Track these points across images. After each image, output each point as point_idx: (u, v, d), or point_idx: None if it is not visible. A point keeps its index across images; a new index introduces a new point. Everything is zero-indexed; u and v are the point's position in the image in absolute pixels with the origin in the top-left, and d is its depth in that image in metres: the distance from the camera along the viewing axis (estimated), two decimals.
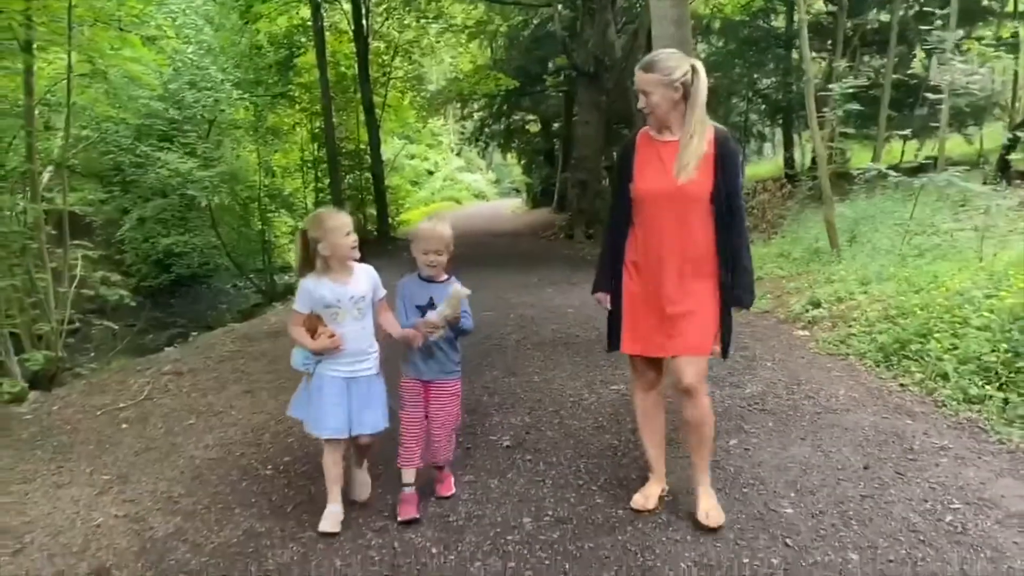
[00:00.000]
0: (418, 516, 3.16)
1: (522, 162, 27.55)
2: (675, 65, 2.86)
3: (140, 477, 3.77)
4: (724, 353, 3.03)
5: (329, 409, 3.09)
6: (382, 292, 3.26)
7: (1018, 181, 12.06)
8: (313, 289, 3.08)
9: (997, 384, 4.21)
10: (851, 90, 8.29)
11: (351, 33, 17.29)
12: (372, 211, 18.67)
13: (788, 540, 2.87)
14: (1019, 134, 12.15)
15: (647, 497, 3.17)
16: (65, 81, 11.61)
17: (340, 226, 3.04)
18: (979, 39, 12.51)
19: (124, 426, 4.54)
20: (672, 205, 2.89)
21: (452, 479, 3.45)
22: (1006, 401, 4.05)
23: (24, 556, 3.02)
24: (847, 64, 15.43)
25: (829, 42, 17.82)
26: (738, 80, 18.92)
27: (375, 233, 17.82)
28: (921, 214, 8.82)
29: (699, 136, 2.85)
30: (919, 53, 17.09)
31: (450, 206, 30.44)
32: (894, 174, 7.83)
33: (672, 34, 7.73)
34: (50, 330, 8.64)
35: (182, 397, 5.12)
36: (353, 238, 3.08)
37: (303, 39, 17.30)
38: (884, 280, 6.59)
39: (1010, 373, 4.20)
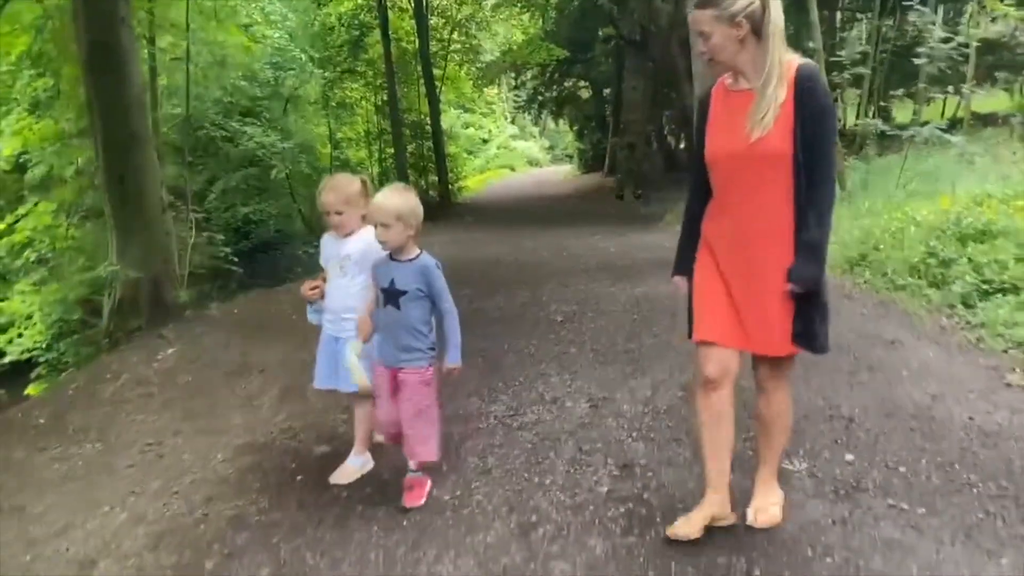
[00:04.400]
0: (420, 504, 3.12)
1: (574, 128, 29.33)
2: None
3: None
4: (815, 346, 2.59)
5: (319, 361, 3.41)
6: (374, 256, 3.23)
7: None
8: (322, 244, 3.45)
9: (917, 276, 6.04)
10: (857, 55, 9.98)
11: (411, 10, 19.31)
12: (434, 178, 20.74)
13: None
14: None
15: (690, 519, 2.67)
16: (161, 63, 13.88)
17: (322, 204, 3.31)
18: None
19: (294, 317, 6.69)
20: (746, 169, 2.48)
21: (425, 487, 3.20)
22: (919, 287, 5.89)
23: (267, 374, 5.15)
24: (887, 24, 16.85)
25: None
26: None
27: (437, 199, 19.92)
28: (937, 166, 10.48)
29: (777, 79, 2.39)
30: (970, 8, 18.34)
31: (505, 173, 32.58)
32: (891, 130, 9.54)
33: None
34: (180, 275, 10.96)
35: None
36: (332, 219, 3.28)
37: (368, 17, 19.42)
38: (873, 215, 8.37)
39: (926, 268, 6.02)
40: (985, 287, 5.34)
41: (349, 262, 3.27)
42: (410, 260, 3.04)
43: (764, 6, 2.40)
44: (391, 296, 3.03)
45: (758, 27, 2.41)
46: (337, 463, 3.53)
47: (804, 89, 2.40)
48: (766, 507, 2.79)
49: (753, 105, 2.44)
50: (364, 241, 3.26)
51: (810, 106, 2.40)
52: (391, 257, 3.06)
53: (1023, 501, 2.86)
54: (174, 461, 3.79)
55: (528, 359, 4.98)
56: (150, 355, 5.73)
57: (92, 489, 3.59)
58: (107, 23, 6.02)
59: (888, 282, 6.17)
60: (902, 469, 3.17)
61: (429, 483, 3.22)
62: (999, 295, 5.20)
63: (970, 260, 5.71)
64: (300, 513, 3.17)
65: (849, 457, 3.31)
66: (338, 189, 3.30)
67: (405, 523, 3.02)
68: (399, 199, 2.99)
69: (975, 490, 2.96)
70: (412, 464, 3.14)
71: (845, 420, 3.68)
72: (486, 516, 3.03)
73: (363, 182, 3.37)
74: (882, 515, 2.82)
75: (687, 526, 2.65)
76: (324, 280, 3.39)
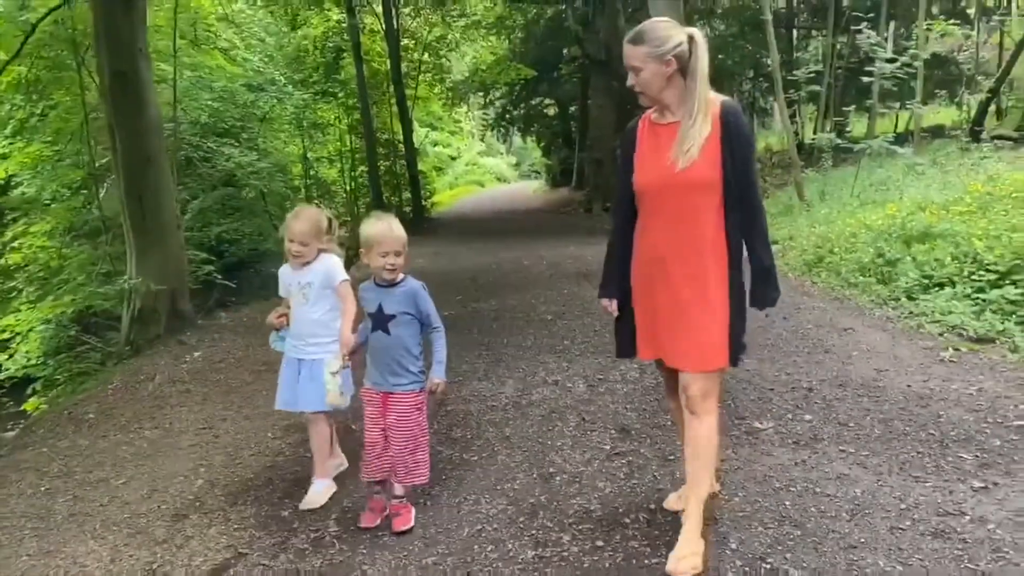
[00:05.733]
0: (372, 526, 3.18)
1: (541, 145, 30.18)
2: (667, 35, 2.62)
3: None
4: (734, 361, 2.74)
5: (281, 384, 3.59)
6: (339, 277, 3.44)
7: (994, 144, 14.28)
8: (280, 275, 3.62)
9: (867, 274, 6.83)
10: (811, 74, 10.88)
11: (383, 32, 19.98)
12: (407, 194, 21.36)
13: None
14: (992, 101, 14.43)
15: (681, 496, 3.10)
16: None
17: (290, 231, 3.42)
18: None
19: None
20: (674, 197, 2.67)
21: (411, 512, 3.23)
22: (869, 284, 6.67)
23: None
24: (837, 42, 17.89)
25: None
26: (741, 62, 21.44)
27: (411, 215, 20.54)
28: (888, 176, 11.38)
29: (703, 115, 2.61)
30: (918, 27, 19.50)
31: (475, 189, 33.36)
32: (845, 143, 10.42)
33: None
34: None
35: None
36: (295, 247, 3.41)
37: (340, 39, 20.04)
38: (829, 222, 9.20)
39: (876, 267, 6.81)
40: (925, 282, 6.15)
41: (311, 289, 3.44)
42: (397, 285, 3.13)
43: (692, 48, 2.62)
44: (379, 321, 3.11)
45: (684, 66, 2.63)
46: None
47: (729, 123, 2.62)
48: (687, 555, 2.73)
49: (678, 137, 2.65)
50: (324, 268, 3.46)
51: (736, 138, 2.62)
52: (376, 283, 3.14)
53: (946, 443, 3.59)
54: (230, 440, 4.39)
55: (527, 350, 5.66)
56: (177, 358, 6.30)
57: (164, 464, 4.18)
58: (127, 53, 6.61)
59: (842, 281, 6.95)
60: (851, 425, 3.90)
61: (413, 510, 3.26)
62: (937, 288, 6.01)
63: (913, 259, 6.51)
64: (353, 475, 3.80)
65: (808, 417, 4.03)
66: (310, 221, 3.47)
67: (444, 477, 3.67)
68: (401, 227, 3.11)
69: (909, 437, 3.70)
70: (398, 489, 3.20)
71: (804, 390, 4.41)
72: (511, 470, 3.70)
73: (329, 220, 3.56)
74: (834, 457, 3.54)
75: (678, 503, 3.11)
76: (288, 308, 3.57)
